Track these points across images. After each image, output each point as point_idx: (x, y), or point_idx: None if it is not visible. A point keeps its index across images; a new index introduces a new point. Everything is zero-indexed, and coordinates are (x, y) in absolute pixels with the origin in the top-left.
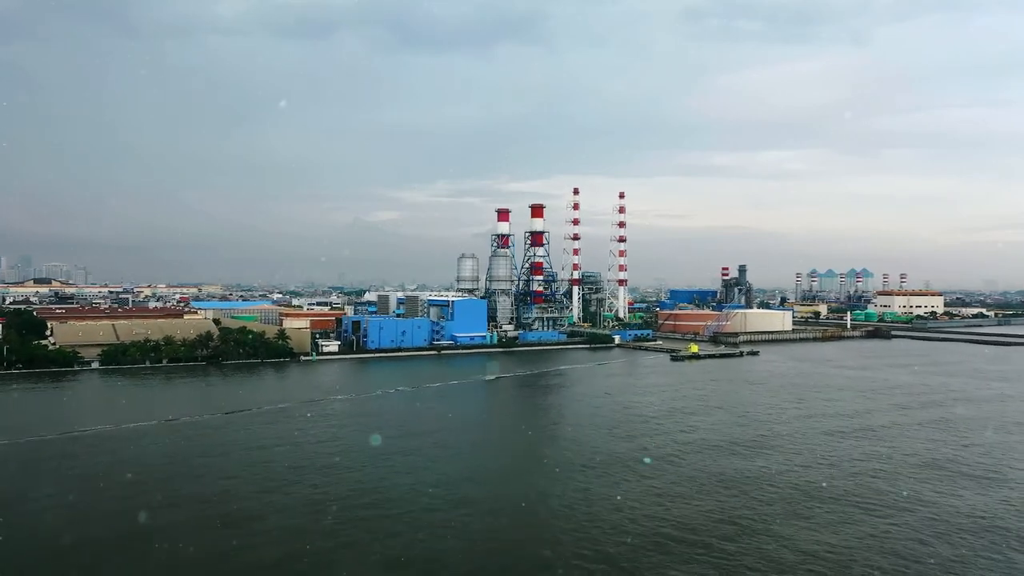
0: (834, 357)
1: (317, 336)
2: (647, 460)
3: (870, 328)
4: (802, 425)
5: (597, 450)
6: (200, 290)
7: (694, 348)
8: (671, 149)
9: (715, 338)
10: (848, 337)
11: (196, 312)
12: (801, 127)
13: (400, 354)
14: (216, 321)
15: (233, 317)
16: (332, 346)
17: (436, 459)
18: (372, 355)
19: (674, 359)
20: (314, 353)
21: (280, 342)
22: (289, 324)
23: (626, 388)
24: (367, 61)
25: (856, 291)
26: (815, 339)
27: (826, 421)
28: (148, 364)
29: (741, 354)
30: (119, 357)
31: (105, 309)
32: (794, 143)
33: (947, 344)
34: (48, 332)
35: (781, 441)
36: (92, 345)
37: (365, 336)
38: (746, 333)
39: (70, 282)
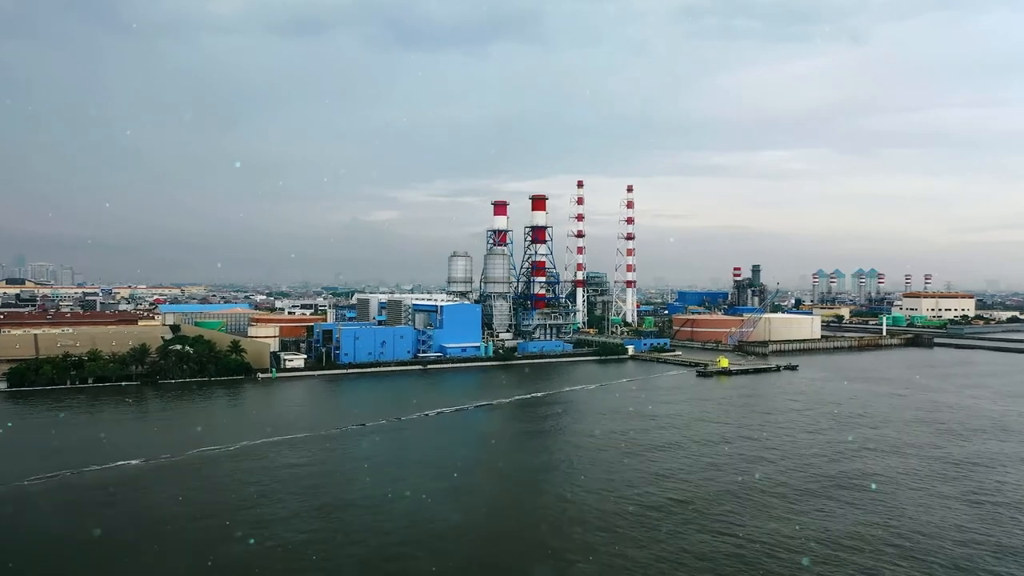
0: (887, 372)
1: (288, 345)
2: None
3: (908, 335)
4: None
5: None
6: (183, 291)
7: (724, 362)
8: (671, 149)
9: (740, 347)
10: (886, 346)
11: (154, 317)
12: (801, 127)
13: (379, 369)
14: (175, 327)
15: (196, 323)
16: (297, 360)
17: None
18: (345, 371)
19: (701, 375)
20: (274, 369)
21: (233, 356)
22: (255, 332)
23: (651, 422)
24: (364, 59)
25: (878, 293)
26: (850, 348)
27: None
28: (69, 384)
29: (777, 369)
30: (31, 376)
31: (58, 314)
32: (794, 143)
33: (1005, 356)
34: None
35: None
36: (3, 361)
37: (338, 348)
38: (773, 342)
39: (49, 282)
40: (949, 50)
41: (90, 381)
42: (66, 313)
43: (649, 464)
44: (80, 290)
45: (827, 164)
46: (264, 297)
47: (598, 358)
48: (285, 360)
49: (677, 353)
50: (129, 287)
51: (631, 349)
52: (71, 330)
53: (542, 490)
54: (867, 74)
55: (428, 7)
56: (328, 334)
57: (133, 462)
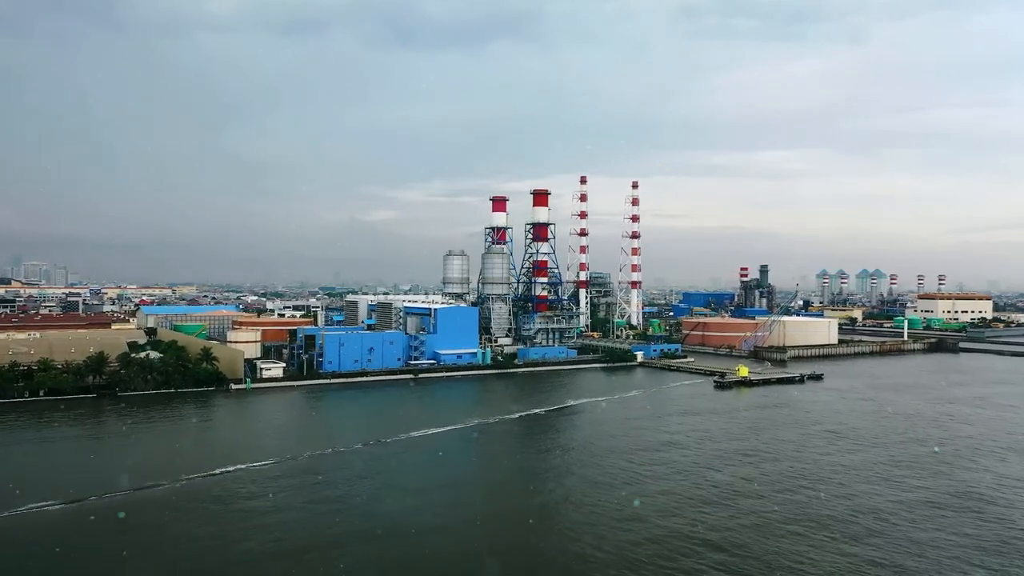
0: (920, 380)
1: (271, 351)
2: None
3: (932, 340)
4: None
5: None
6: (174, 291)
7: (743, 371)
8: (670, 149)
9: (756, 353)
10: (909, 351)
11: (130, 320)
12: (801, 127)
13: (366, 379)
14: (152, 331)
15: (174, 327)
16: (275, 370)
17: None
18: (328, 381)
19: (719, 386)
20: (248, 379)
21: (204, 365)
22: (235, 336)
23: (672, 442)
24: (361, 59)
25: (890, 294)
26: (871, 353)
27: None
28: (16, 397)
29: (801, 379)
30: None
31: (27, 317)
32: (794, 143)
33: None
34: None
35: None
36: None
37: (321, 355)
38: (791, 347)
39: (40, 282)
40: (949, 50)
41: (42, 393)
42: (37, 315)
43: (679, 500)
44: (66, 290)
45: (827, 164)
46: (256, 298)
47: (604, 365)
48: (262, 369)
49: (690, 360)
50: (119, 287)
51: (640, 355)
52: (38, 335)
53: (552, 553)
54: (867, 74)
55: (426, 6)
56: (311, 340)
57: (49, 506)
